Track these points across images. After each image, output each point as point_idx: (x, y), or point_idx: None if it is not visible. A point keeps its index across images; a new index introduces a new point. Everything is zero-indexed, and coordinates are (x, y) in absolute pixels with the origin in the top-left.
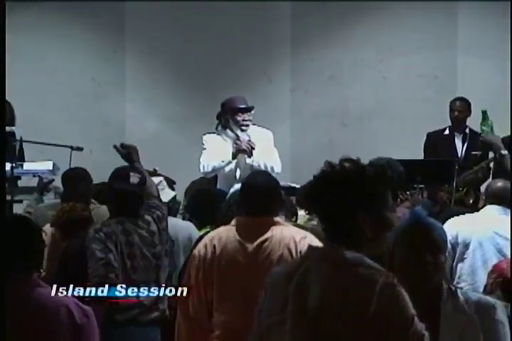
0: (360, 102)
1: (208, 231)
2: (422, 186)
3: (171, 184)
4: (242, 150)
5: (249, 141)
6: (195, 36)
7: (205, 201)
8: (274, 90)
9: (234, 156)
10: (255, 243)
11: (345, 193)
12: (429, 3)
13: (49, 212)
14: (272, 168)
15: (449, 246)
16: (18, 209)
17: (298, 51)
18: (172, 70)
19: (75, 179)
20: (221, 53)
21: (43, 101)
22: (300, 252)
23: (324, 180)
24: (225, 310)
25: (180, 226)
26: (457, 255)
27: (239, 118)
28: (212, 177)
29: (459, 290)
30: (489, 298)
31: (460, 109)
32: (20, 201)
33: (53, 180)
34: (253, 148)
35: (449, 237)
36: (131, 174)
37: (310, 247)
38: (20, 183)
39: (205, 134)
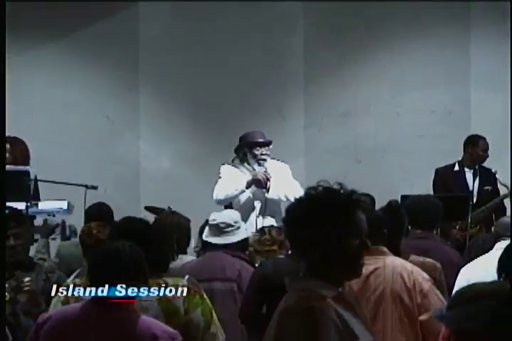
0: (373, 138)
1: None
2: None
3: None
4: (257, 180)
5: (265, 171)
6: (208, 74)
7: None
8: (288, 127)
9: (248, 185)
10: (368, 270)
11: (309, 223)
12: (441, 38)
13: (74, 249)
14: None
15: None
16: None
17: (311, 88)
18: (186, 108)
19: None
20: (234, 91)
21: (57, 140)
22: (413, 282)
23: (293, 211)
24: None
25: None
26: None
27: (257, 152)
28: None
29: None
30: None
31: (486, 147)
32: (36, 240)
33: (58, 225)
34: (268, 179)
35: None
36: None
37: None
38: (35, 222)
39: (223, 164)
